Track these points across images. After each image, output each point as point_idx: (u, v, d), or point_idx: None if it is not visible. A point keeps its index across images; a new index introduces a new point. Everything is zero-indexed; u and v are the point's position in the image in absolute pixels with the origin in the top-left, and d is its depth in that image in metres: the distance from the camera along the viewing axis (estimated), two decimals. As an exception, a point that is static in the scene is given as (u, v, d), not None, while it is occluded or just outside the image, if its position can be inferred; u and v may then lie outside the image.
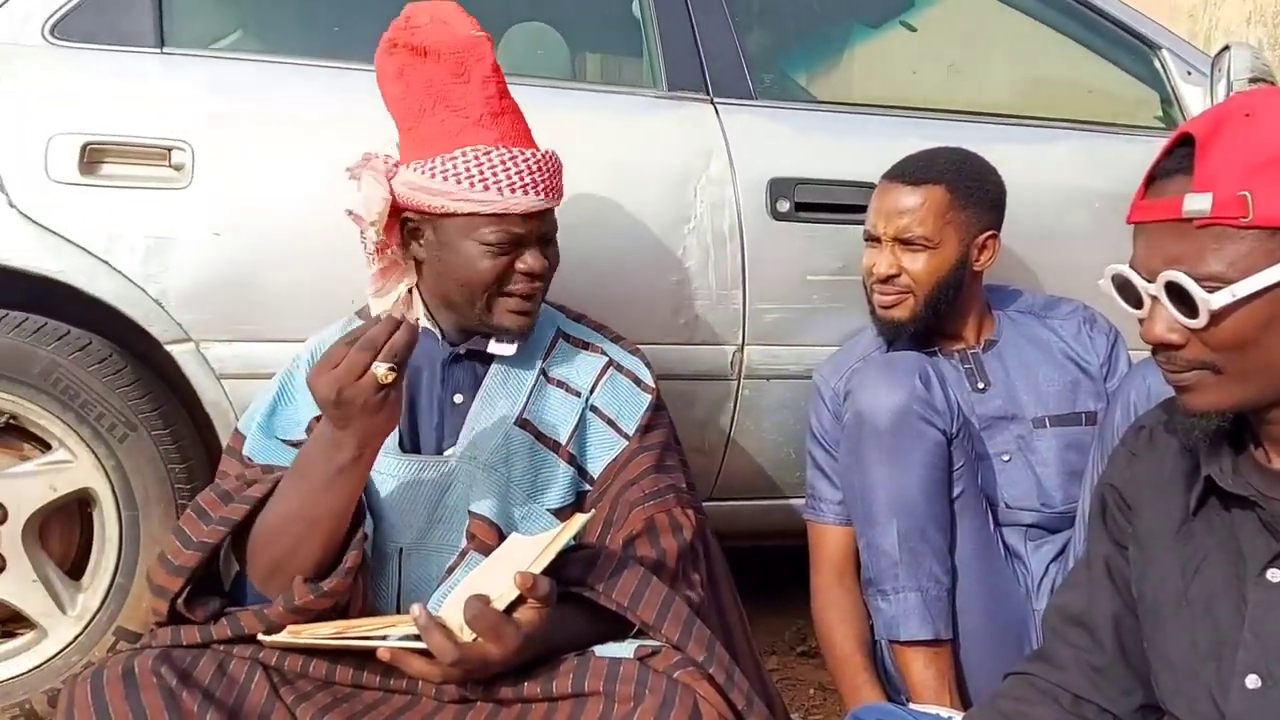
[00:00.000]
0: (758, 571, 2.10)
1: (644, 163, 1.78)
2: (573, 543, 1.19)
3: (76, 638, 1.67)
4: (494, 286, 1.36)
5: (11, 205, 1.57)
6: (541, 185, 1.36)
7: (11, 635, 1.72)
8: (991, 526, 1.58)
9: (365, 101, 1.69)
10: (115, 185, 1.62)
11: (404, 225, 1.40)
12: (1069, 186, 1.97)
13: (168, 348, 1.64)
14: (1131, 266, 0.93)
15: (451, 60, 1.37)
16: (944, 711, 1.37)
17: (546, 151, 1.39)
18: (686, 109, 1.84)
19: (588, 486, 1.42)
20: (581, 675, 1.13)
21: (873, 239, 1.65)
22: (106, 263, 1.60)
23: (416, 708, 1.18)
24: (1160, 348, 0.92)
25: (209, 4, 1.85)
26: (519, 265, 1.36)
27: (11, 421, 1.66)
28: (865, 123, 1.94)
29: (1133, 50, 2.14)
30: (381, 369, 1.12)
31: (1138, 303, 0.93)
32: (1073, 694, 1.07)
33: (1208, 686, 0.97)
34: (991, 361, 1.67)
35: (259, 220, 1.66)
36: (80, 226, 1.59)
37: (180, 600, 1.24)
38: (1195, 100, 2.05)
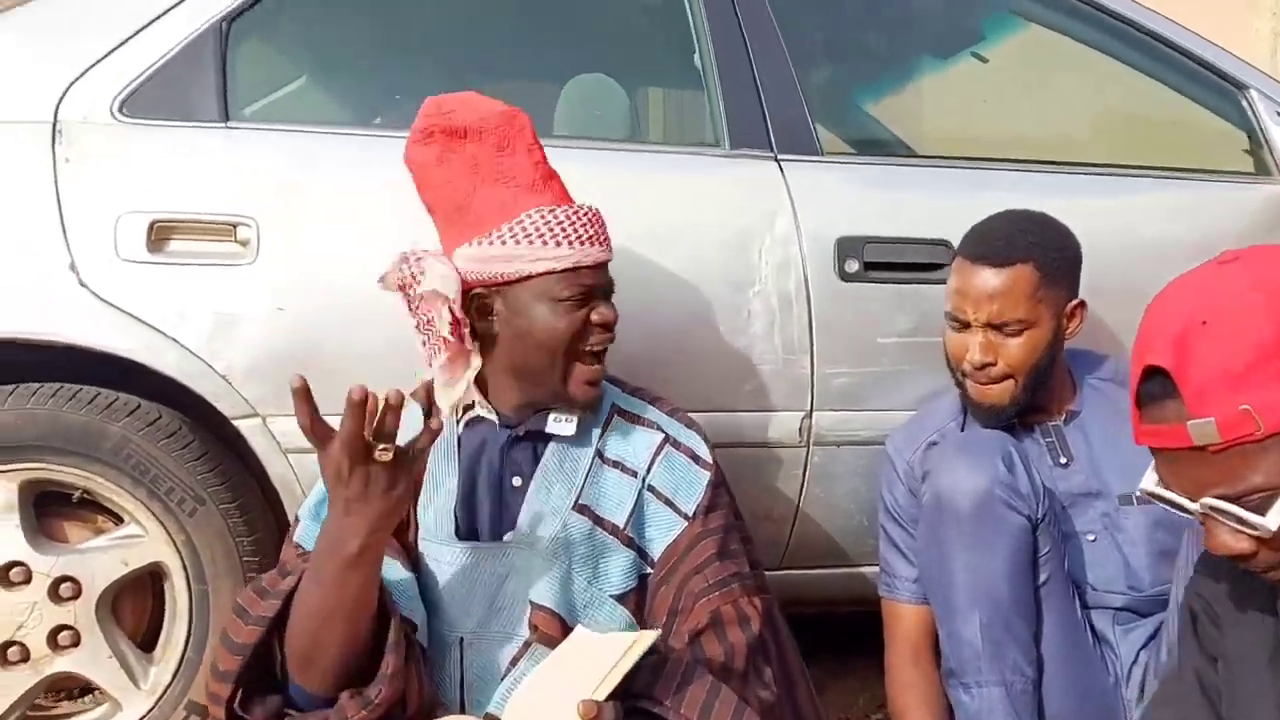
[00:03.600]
0: (829, 637, 2.04)
1: (707, 224, 1.75)
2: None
3: (149, 711, 1.68)
4: (572, 344, 1.35)
5: (82, 284, 1.59)
6: (601, 237, 1.39)
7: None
8: (1079, 612, 1.51)
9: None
10: (182, 262, 1.63)
11: (471, 303, 1.38)
12: (1153, 239, 1.88)
13: (235, 422, 1.65)
14: (1162, 482, 0.90)
15: (494, 135, 1.38)
16: None
17: (591, 206, 1.40)
18: (750, 167, 1.80)
19: (649, 569, 1.39)
20: (652, 790, 1.10)
21: (960, 324, 1.56)
22: (175, 339, 1.61)
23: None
24: (1235, 558, 0.89)
25: (272, 77, 1.86)
26: (593, 317, 1.36)
27: (85, 496, 1.68)
28: (937, 176, 1.89)
29: (1218, 90, 2.05)
30: (379, 449, 1.12)
31: (1184, 510, 0.90)
32: None
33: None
34: (1074, 435, 1.59)
35: (322, 295, 1.65)
36: (149, 304, 1.61)
37: (236, 703, 1.24)
38: (1286, 141, 1.96)
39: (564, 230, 1.34)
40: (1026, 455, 1.50)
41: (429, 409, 1.43)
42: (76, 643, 1.65)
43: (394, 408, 1.13)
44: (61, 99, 1.66)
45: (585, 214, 1.37)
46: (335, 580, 1.17)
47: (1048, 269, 1.53)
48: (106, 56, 1.69)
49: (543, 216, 1.34)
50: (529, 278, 1.34)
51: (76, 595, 1.64)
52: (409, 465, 1.16)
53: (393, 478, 1.13)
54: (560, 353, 1.35)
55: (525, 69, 2.11)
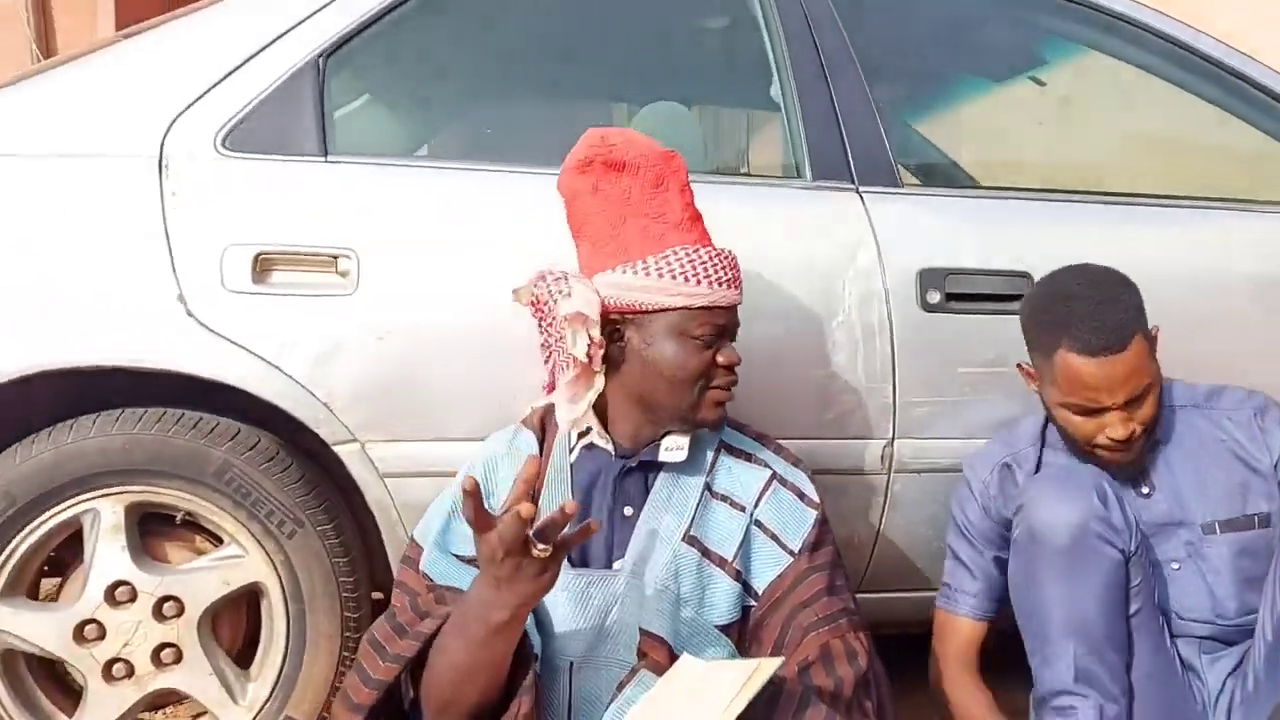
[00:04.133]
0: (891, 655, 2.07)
1: (792, 255, 1.79)
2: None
3: (247, 727, 1.73)
4: (696, 380, 1.41)
5: (190, 314, 1.64)
6: (736, 280, 1.45)
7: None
8: (1169, 641, 1.54)
9: (519, 204, 1.76)
10: (286, 293, 1.67)
11: (604, 328, 1.43)
12: (1219, 269, 1.91)
13: (334, 448, 1.69)
14: None
15: (651, 173, 1.44)
16: None
17: (729, 250, 1.47)
18: (833, 200, 1.84)
19: (752, 602, 1.43)
20: (773, 817, 1.14)
21: (1091, 411, 1.55)
22: (278, 368, 1.66)
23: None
24: None
25: (369, 114, 1.91)
26: (719, 358, 1.42)
27: (187, 518, 1.73)
28: (1014, 208, 1.91)
29: (1283, 119, 2.08)
30: (539, 548, 1.17)
31: None
32: None
33: None
34: (1156, 463, 1.62)
35: (420, 324, 1.70)
36: (254, 333, 1.65)
37: None
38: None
39: (705, 270, 1.39)
40: (1116, 487, 1.53)
41: (541, 437, 1.49)
42: (178, 660, 1.70)
43: (567, 517, 1.17)
44: (166, 133, 1.71)
45: (725, 257, 1.43)
46: (480, 643, 1.23)
47: (1144, 326, 1.56)
48: (208, 92, 1.74)
49: (688, 254, 1.40)
50: (665, 310, 1.40)
51: (179, 614, 1.69)
52: (561, 557, 1.21)
53: (544, 566, 1.19)
54: (691, 387, 1.41)
55: (606, 96, 2.15)
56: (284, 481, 1.71)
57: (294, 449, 1.74)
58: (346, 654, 1.74)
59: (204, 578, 1.71)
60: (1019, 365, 1.67)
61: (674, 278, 1.39)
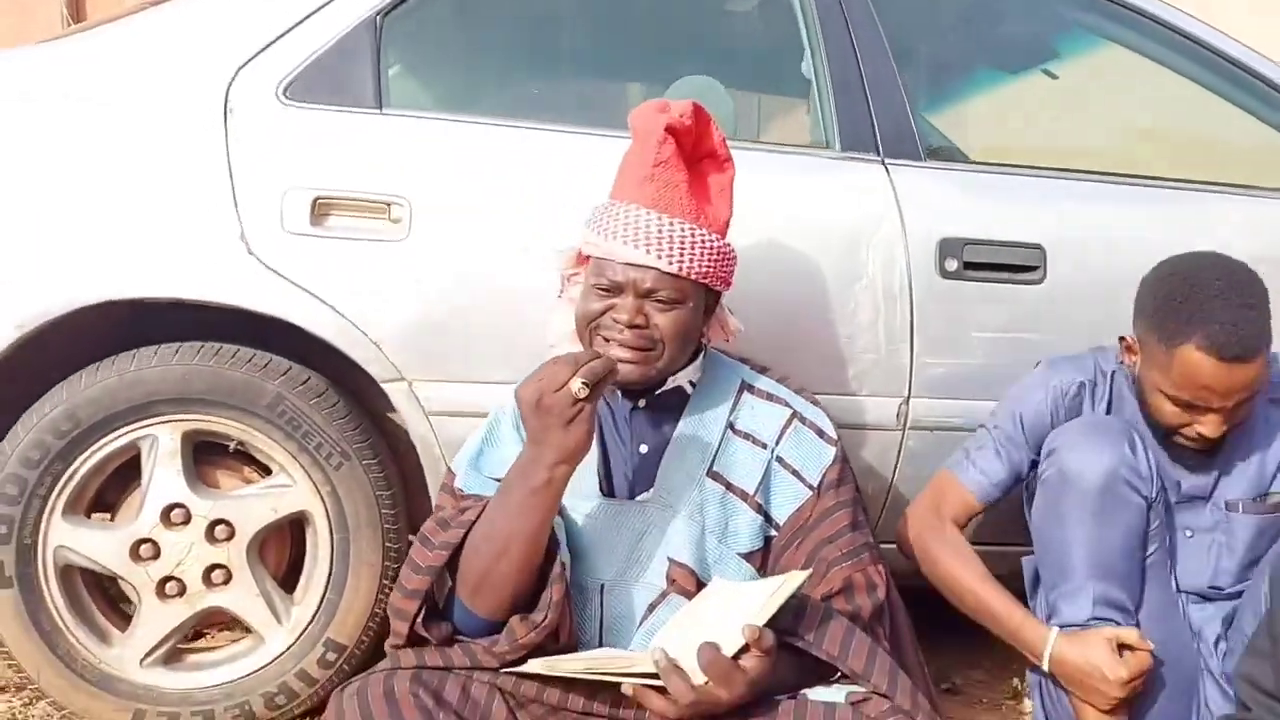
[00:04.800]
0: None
1: (820, 221, 1.88)
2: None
3: (290, 647, 1.83)
4: (591, 328, 1.48)
5: (250, 253, 1.73)
6: (655, 246, 1.43)
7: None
8: (1174, 584, 1.64)
9: (562, 161, 1.85)
10: (342, 236, 1.77)
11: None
12: (1221, 249, 2.00)
13: (383, 385, 1.79)
14: None
15: (639, 136, 1.52)
16: None
17: (700, 232, 1.47)
18: (859, 169, 1.93)
19: (773, 532, 1.53)
20: (801, 718, 1.25)
21: (1195, 408, 1.57)
22: (333, 307, 1.75)
23: (640, 736, 1.31)
24: None
25: (423, 70, 2.00)
26: (613, 313, 1.45)
27: (238, 447, 1.82)
28: (1029, 185, 2.01)
29: (1289, 111, 2.17)
30: (577, 384, 1.26)
31: None
32: None
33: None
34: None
35: (468, 272, 1.79)
36: (310, 273, 1.75)
37: (419, 621, 1.39)
38: (1355, 165, 2.09)
39: (614, 225, 1.45)
40: (1145, 436, 1.61)
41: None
42: (228, 580, 1.80)
43: (607, 365, 1.30)
44: (232, 82, 1.80)
45: (650, 219, 1.44)
46: (520, 507, 1.32)
47: (1270, 339, 1.56)
48: (271, 45, 1.83)
49: (609, 208, 1.48)
50: (587, 259, 1.51)
51: (230, 537, 1.79)
52: (593, 404, 1.29)
53: (579, 410, 1.28)
54: (584, 329, 1.49)
55: (642, 69, 2.24)
56: (332, 416, 1.80)
57: (340, 387, 1.84)
58: (386, 581, 1.84)
59: (254, 504, 1.81)
60: (1121, 338, 1.69)
61: (591, 228, 1.49)
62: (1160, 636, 1.56)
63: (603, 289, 1.47)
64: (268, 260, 1.74)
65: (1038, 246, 1.92)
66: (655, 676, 1.22)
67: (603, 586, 1.49)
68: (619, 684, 1.28)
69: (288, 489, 1.82)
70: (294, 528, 1.88)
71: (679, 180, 1.48)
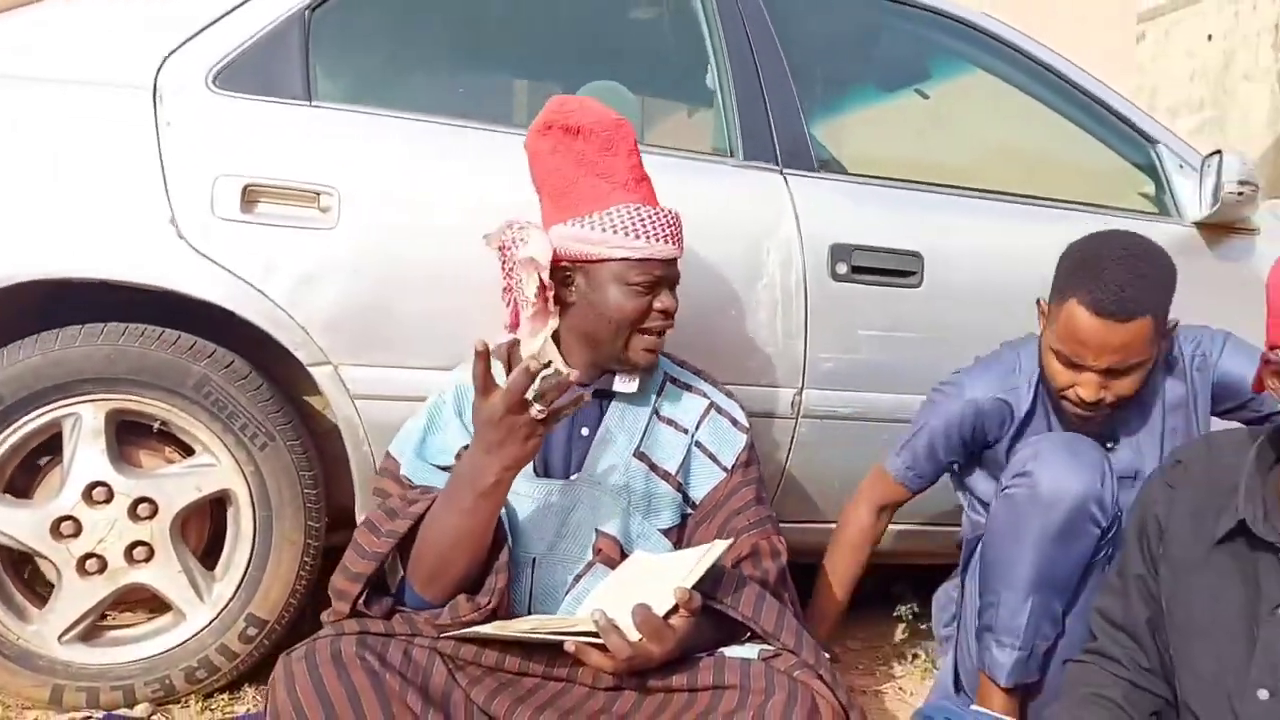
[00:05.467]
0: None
1: (727, 224, 2.03)
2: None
3: (211, 622, 1.87)
4: (637, 323, 1.61)
5: (181, 237, 1.77)
6: (676, 237, 1.64)
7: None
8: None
9: (489, 157, 1.95)
10: (271, 223, 1.82)
11: (557, 274, 1.64)
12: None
13: (310, 369, 1.85)
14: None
15: (602, 138, 1.63)
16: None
17: (673, 210, 1.66)
18: (761, 178, 2.10)
19: (690, 510, 1.68)
20: (720, 672, 1.38)
21: (1073, 364, 1.65)
22: (262, 292, 1.81)
23: (572, 692, 1.43)
24: None
25: (350, 65, 2.06)
26: (656, 304, 1.62)
27: (161, 427, 1.85)
28: (910, 197, 2.21)
29: (1134, 142, 2.44)
30: (536, 409, 1.36)
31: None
32: (1130, 683, 1.35)
33: (1226, 694, 1.25)
34: (1121, 418, 1.75)
35: (394, 260, 1.87)
36: (240, 258, 1.80)
37: (360, 601, 1.47)
38: (1186, 191, 2.36)
39: (644, 226, 1.60)
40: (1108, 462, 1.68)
41: (508, 368, 1.69)
42: (150, 557, 1.84)
43: (566, 383, 1.37)
44: (161, 67, 1.83)
45: (665, 215, 1.63)
46: (469, 508, 1.42)
47: (1162, 315, 1.62)
48: (200, 33, 1.87)
49: (630, 211, 1.60)
50: (608, 260, 1.60)
51: (152, 515, 1.83)
52: (551, 424, 1.39)
53: (533, 429, 1.38)
54: (626, 329, 1.62)
55: (554, 72, 2.35)
56: (257, 398, 1.85)
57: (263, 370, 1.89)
58: (308, 559, 1.91)
59: (178, 483, 1.85)
60: (1038, 301, 1.76)
61: (615, 232, 1.59)
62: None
63: (645, 286, 1.59)
64: (198, 245, 1.78)
65: (916, 254, 2.13)
66: (595, 635, 1.34)
67: (534, 561, 1.60)
68: (555, 645, 1.40)
69: (212, 468, 1.86)
70: (213, 506, 1.92)
71: (646, 175, 1.66)
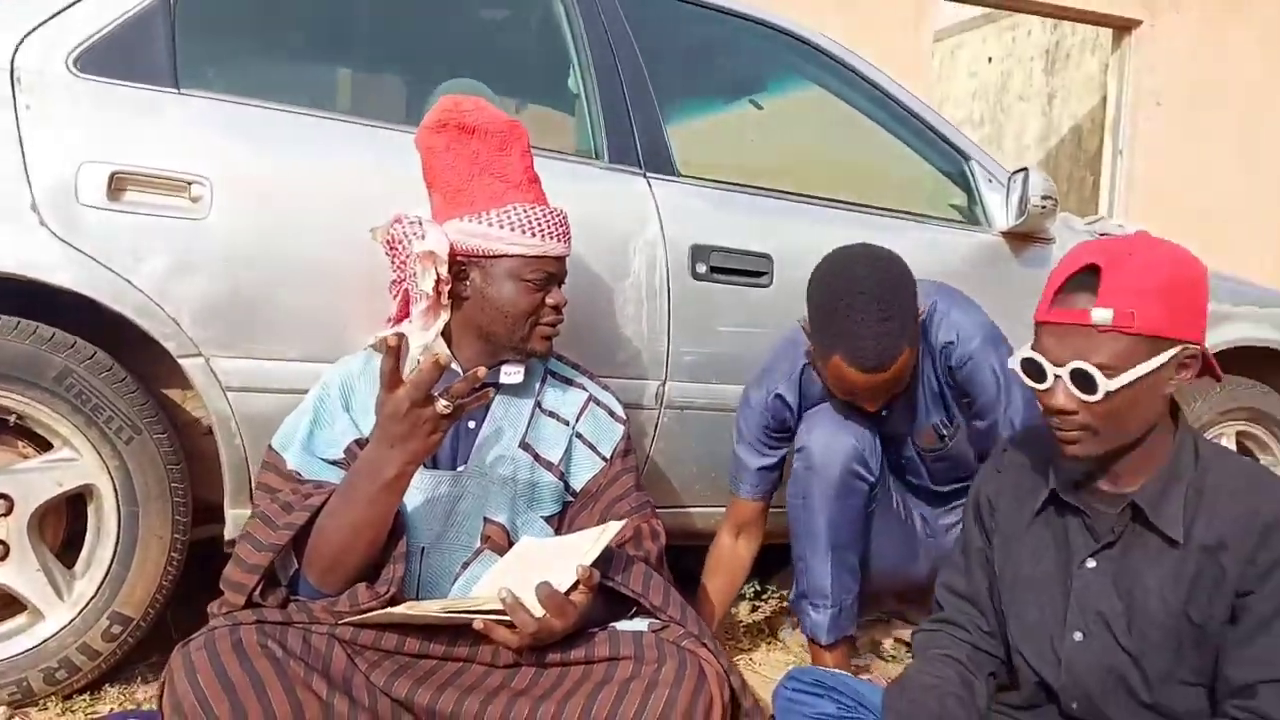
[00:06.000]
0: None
1: (597, 224, 2.12)
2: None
3: (71, 621, 1.82)
4: (530, 317, 1.69)
5: (43, 224, 1.72)
6: (567, 235, 1.73)
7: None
8: (895, 505, 2.08)
9: (363, 151, 1.97)
10: (139, 212, 1.78)
11: (452, 268, 1.68)
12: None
13: (180, 360, 1.82)
14: (1037, 352, 1.35)
15: (497, 138, 1.69)
16: (868, 679, 1.81)
17: (562, 210, 1.74)
18: (627, 180, 2.20)
19: (570, 498, 1.76)
20: (615, 644, 1.48)
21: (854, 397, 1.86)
22: (129, 281, 1.77)
23: (471, 671, 1.49)
24: (1057, 414, 1.35)
25: (219, 54, 2.03)
26: (548, 300, 1.70)
27: (18, 421, 1.78)
28: (762, 203, 2.37)
29: (949, 157, 2.69)
30: (442, 404, 1.42)
31: (1040, 379, 1.35)
32: (973, 645, 1.54)
33: (1049, 637, 1.45)
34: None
35: (268, 253, 1.87)
36: (107, 247, 1.75)
37: (256, 593, 1.49)
38: (995, 203, 2.62)
39: (539, 225, 1.67)
40: (870, 425, 1.97)
41: (397, 360, 1.73)
42: (5, 556, 1.76)
43: (477, 379, 1.42)
44: (18, 48, 1.76)
45: (558, 215, 1.71)
46: (370, 500, 1.46)
47: (914, 337, 1.79)
48: (60, 14, 1.81)
49: (525, 210, 1.67)
50: (503, 256, 1.67)
51: (8, 512, 1.76)
52: (455, 419, 1.44)
53: (437, 424, 1.43)
54: (522, 322, 1.69)
55: (421, 68, 2.38)
56: (122, 390, 1.81)
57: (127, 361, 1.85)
58: (175, 554, 1.87)
59: (36, 478, 1.79)
60: (800, 321, 1.92)
61: (512, 229, 1.67)
62: (888, 547, 2.04)
63: (539, 283, 1.66)
64: (61, 233, 1.73)
65: (767, 256, 2.28)
66: (502, 614, 1.41)
67: (423, 550, 1.65)
68: (455, 627, 1.46)
69: (73, 463, 1.81)
70: (70, 502, 1.86)
71: (537, 175, 1.72)
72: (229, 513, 1.91)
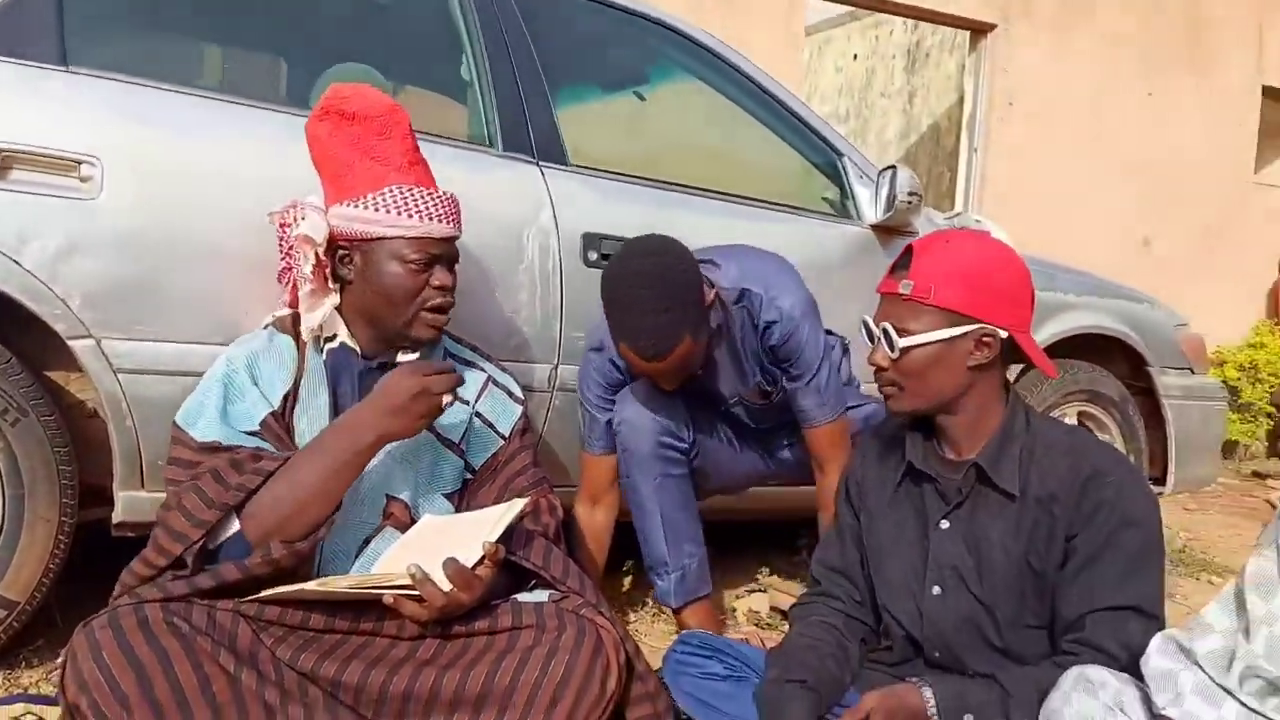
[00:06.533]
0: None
1: (492, 211, 2.17)
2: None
3: (-48, 607, 1.78)
4: (415, 299, 1.72)
5: (-78, 201, 1.67)
6: (451, 217, 1.76)
7: None
8: (725, 441, 2.28)
9: (256, 134, 1.98)
10: (26, 191, 1.76)
11: (334, 253, 1.72)
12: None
13: (69, 342, 1.80)
14: (874, 317, 1.57)
15: (376, 123, 1.73)
16: (754, 641, 1.94)
17: (450, 193, 1.78)
18: (520, 169, 2.26)
19: (470, 476, 1.82)
20: (517, 615, 1.55)
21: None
22: (16, 261, 1.74)
23: (375, 644, 1.54)
24: (877, 369, 1.57)
25: (107, 32, 1.99)
26: (433, 281, 1.73)
27: (-107, 403, 1.74)
28: (649, 193, 2.46)
29: (822, 152, 2.83)
30: (448, 399, 1.55)
31: (871, 339, 1.57)
32: (846, 614, 1.67)
33: (911, 594, 1.60)
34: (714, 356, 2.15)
35: (160, 233, 1.86)
36: (-9, 226, 1.72)
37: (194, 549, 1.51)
38: (865, 197, 2.77)
39: (417, 205, 1.71)
40: (679, 397, 2.13)
41: (295, 339, 1.75)
42: (-116, 542, 1.72)
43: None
44: (-109, 16, 1.71)
45: (440, 196, 1.74)
46: (341, 465, 1.54)
47: (696, 324, 1.90)
48: (-62, -20, 1.76)
49: (402, 192, 1.70)
50: (383, 239, 1.70)
51: (-113, 497, 1.71)
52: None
53: (434, 415, 1.57)
54: (404, 305, 1.72)
55: (311, 52, 2.38)
56: (8, 372, 1.78)
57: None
58: (62, 537, 1.85)
59: (-85, 462, 1.74)
60: None
61: (389, 211, 1.70)
62: (726, 466, 2.26)
63: (420, 264, 1.69)
64: (-58, 210, 1.69)
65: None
66: (410, 588, 1.46)
67: (327, 524, 1.68)
68: (359, 602, 1.50)
69: (-46, 446, 1.77)
70: (-49, 486, 1.82)
71: (423, 159, 1.76)
72: (119, 494, 1.90)
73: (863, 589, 1.69)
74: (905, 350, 1.51)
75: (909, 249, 1.55)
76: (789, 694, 1.52)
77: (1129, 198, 6.25)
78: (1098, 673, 1.32)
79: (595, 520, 2.23)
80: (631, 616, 2.50)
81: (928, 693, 1.46)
